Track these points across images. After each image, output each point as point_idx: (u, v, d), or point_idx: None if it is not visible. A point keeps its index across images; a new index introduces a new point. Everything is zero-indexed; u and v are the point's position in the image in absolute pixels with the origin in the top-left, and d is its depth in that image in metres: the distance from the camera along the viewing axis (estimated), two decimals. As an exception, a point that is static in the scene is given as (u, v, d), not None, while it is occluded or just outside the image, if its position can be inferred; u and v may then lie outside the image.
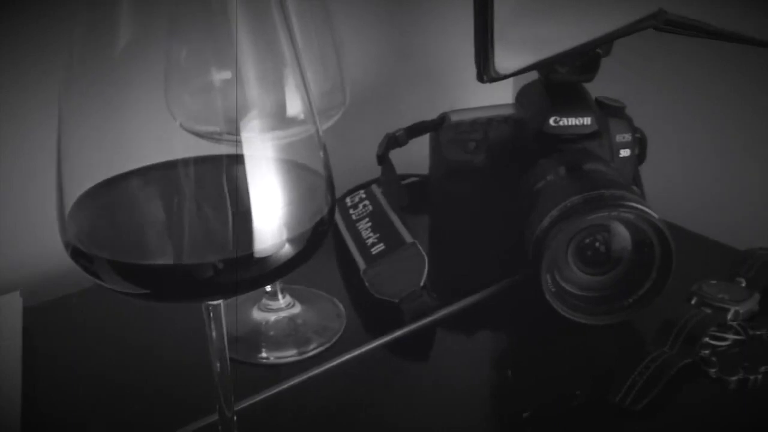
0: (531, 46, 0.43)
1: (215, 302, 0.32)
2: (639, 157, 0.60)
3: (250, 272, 0.28)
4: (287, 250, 0.29)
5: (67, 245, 0.28)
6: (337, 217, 0.61)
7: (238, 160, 0.29)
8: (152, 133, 0.33)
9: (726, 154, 0.66)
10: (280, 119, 0.34)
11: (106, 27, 0.30)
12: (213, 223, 0.29)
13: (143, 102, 0.33)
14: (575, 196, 0.49)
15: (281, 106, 0.34)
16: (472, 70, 0.59)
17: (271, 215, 0.28)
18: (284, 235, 0.28)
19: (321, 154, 0.32)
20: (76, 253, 0.28)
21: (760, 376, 0.45)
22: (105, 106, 0.31)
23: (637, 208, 0.47)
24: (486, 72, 0.42)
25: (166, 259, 0.27)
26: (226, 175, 0.30)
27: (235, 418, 0.36)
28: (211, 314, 0.33)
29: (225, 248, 0.28)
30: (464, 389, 0.46)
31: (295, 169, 0.31)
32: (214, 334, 0.33)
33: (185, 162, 0.31)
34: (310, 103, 0.33)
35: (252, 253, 0.27)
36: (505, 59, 0.42)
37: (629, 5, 0.41)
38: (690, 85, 0.66)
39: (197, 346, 0.35)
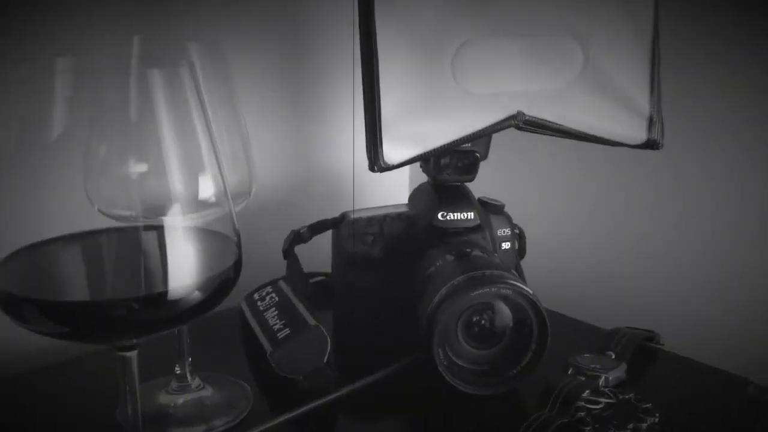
0: (413, 142, 0.49)
1: (129, 354, 0.35)
2: (519, 251, 0.67)
3: (162, 310, 0.32)
4: (197, 294, 0.33)
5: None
6: (245, 309, 0.64)
7: (158, 228, 0.34)
8: (71, 214, 0.37)
9: (594, 249, 0.75)
10: (200, 203, 0.39)
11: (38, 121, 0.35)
12: (132, 272, 0.33)
13: (66, 187, 0.37)
14: (460, 276, 0.54)
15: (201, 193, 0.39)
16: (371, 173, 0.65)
17: (183, 262, 0.33)
18: (195, 278, 0.32)
19: (233, 222, 0.36)
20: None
21: (629, 432, 0.51)
22: (31, 188, 0.36)
23: (515, 285, 0.53)
24: (376, 163, 0.49)
25: (83, 297, 0.31)
26: (143, 236, 0.34)
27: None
28: (125, 366, 0.36)
29: (139, 288, 0.32)
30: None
31: (206, 233, 0.35)
32: (128, 388, 0.36)
33: (107, 230, 0.35)
34: (225, 189, 0.38)
35: (166, 291, 0.31)
36: (392, 152, 0.49)
37: (493, 108, 0.49)
38: (561, 187, 0.75)
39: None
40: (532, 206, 0.72)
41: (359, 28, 0.48)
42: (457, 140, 0.49)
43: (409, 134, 0.49)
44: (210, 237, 0.36)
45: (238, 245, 0.36)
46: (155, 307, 0.32)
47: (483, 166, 0.63)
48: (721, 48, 0.65)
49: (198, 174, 0.38)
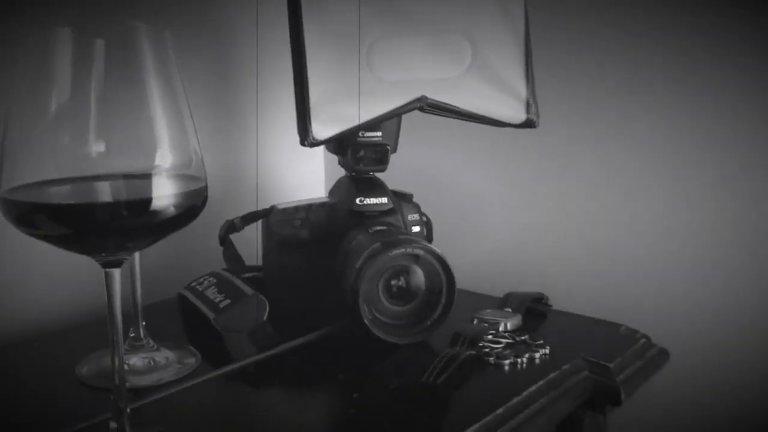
0: (336, 121, 0.59)
1: (113, 270, 0.43)
2: (427, 237, 0.77)
3: (146, 217, 0.39)
4: (173, 209, 0.41)
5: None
6: (186, 293, 0.71)
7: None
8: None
9: (487, 229, 0.87)
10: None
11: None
12: (121, 190, 0.40)
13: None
14: (378, 243, 0.64)
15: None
16: (296, 173, 0.74)
17: (164, 183, 0.41)
18: (173, 191, 0.40)
19: (202, 166, 0.44)
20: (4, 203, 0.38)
21: (525, 360, 0.60)
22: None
23: (425, 246, 0.63)
24: (306, 139, 0.58)
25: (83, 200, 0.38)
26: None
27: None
28: (109, 282, 0.43)
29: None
30: (306, 400, 0.57)
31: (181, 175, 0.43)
32: (113, 301, 0.43)
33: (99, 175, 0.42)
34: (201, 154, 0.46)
35: (150, 198, 0.39)
36: (319, 130, 0.58)
37: (401, 92, 0.60)
38: (456, 178, 0.87)
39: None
40: (437, 198, 0.83)
41: (290, 29, 0.58)
42: (373, 119, 0.59)
43: (332, 115, 0.59)
44: (184, 176, 0.44)
45: (205, 181, 0.44)
46: (140, 214, 0.39)
47: (395, 163, 0.73)
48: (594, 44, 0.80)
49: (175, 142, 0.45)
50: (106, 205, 0.39)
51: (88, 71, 0.42)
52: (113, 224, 0.39)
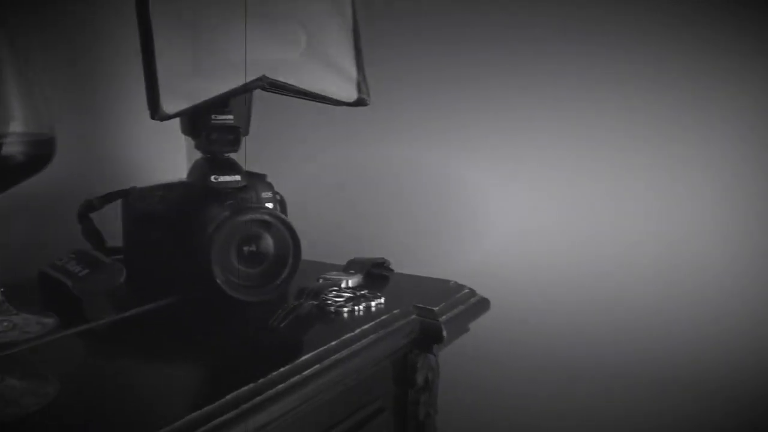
0: (185, 97, 0.65)
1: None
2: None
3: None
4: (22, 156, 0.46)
5: None
6: (47, 270, 0.74)
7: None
8: None
9: (335, 209, 0.95)
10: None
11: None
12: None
13: None
14: (228, 211, 0.70)
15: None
16: (156, 155, 0.80)
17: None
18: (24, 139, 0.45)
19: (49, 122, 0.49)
20: None
21: (362, 308, 0.68)
22: None
23: (272, 212, 0.70)
24: (156, 113, 0.64)
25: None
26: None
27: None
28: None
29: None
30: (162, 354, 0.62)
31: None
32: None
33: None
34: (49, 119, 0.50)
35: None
36: (169, 104, 0.64)
37: (244, 72, 0.67)
38: (317, 160, 0.95)
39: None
40: (295, 177, 0.90)
41: (137, 11, 0.64)
42: (219, 95, 0.66)
43: (182, 92, 0.65)
44: (34, 133, 0.49)
45: (53, 135, 0.49)
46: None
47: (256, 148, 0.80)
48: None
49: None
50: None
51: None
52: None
